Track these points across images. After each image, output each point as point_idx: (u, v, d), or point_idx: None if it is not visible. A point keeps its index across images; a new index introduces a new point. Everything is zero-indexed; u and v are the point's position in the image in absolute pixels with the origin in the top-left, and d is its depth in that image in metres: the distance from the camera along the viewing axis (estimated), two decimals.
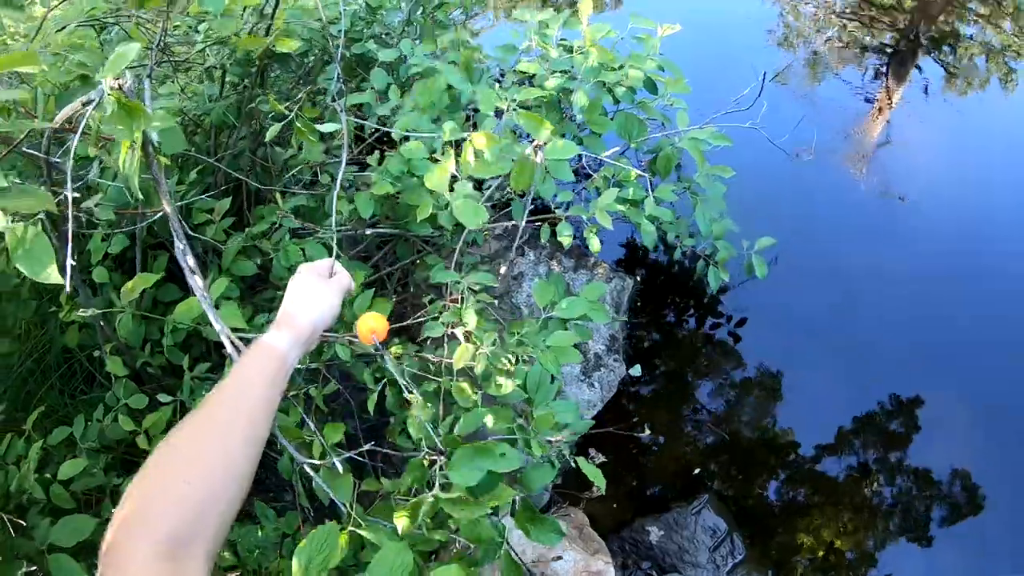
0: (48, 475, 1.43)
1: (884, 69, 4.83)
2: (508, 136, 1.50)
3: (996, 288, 2.86)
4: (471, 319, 1.38)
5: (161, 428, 1.59)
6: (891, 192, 3.50)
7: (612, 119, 1.86)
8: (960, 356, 2.65)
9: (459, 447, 1.10)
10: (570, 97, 1.75)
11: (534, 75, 1.75)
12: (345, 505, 1.11)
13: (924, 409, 2.55)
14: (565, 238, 1.76)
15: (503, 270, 2.16)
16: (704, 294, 2.81)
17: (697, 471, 2.35)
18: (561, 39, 1.83)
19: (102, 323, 1.67)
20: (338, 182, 1.24)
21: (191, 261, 1.11)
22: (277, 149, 1.94)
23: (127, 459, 1.72)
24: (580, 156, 1.58)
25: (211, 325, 1.17)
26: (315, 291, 1.01)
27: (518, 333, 1.42)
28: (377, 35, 2.16)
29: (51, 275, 0.88)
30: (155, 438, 1.55)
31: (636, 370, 2.20)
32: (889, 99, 4.55)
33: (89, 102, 0.89)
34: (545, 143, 1.28)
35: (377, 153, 1.67)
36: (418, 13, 2.19)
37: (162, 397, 1.55)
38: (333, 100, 1.64)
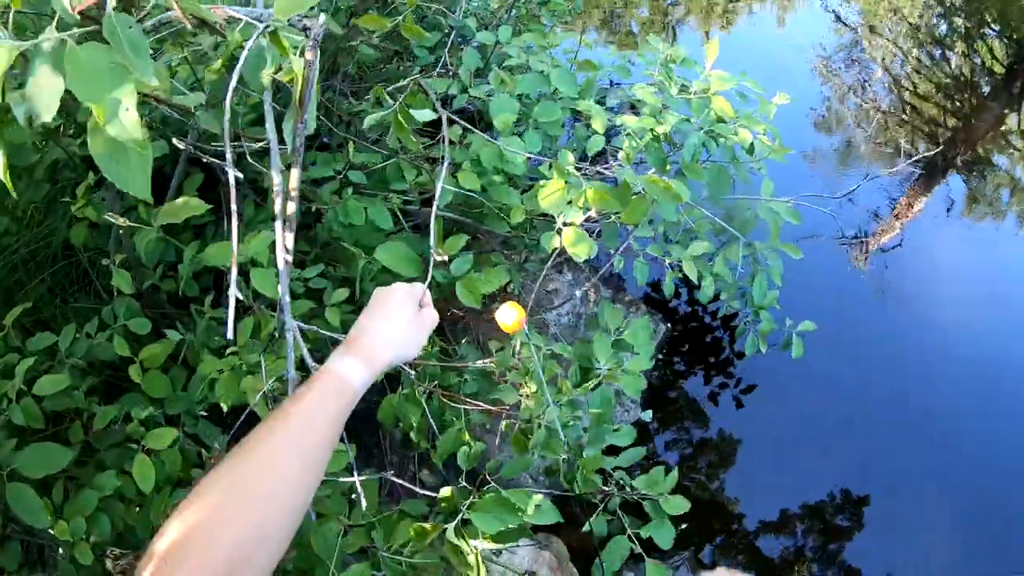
0: (23, 386, 1.25)
1: (914, 176, 4.81)
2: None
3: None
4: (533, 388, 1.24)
5: (159, 363, 1.41)
6: (892, 295, 3.45)
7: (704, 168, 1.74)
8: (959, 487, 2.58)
9: (489, 496, 0.98)
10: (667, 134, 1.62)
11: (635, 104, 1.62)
12: None
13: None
14: (640, 275, 1.63)
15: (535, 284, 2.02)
16: (720, 352, 2.72)
17: (684, 526, 2.25)
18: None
19: (121, 230, 1.49)
20: (443, 169, 1.09)
21: (288, 241, 0.94)
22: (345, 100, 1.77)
23: (111, 383, 1.53)
24: None
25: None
26: (408, 324, 0.86)
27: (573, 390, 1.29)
28: (474, 12, 2.00)
29: (143, 190, 0.71)
30: (150, 372, 1.37)
31: (647, 415, 2.10)
32: (910, 207, 4.52)
33: None
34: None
35: (457, 129, 1.51)
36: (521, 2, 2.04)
37: (171, 333, 1.37)
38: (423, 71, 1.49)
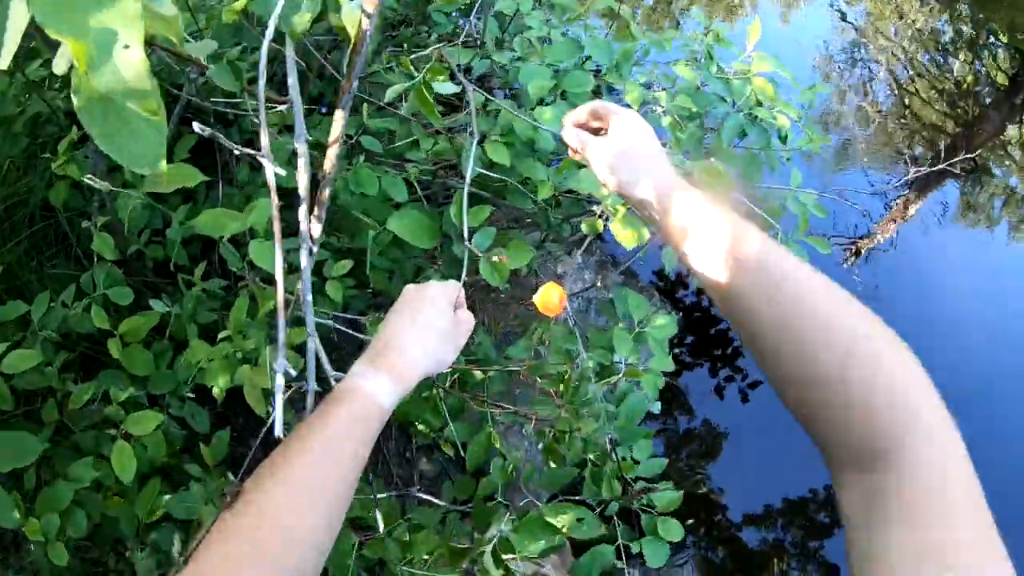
0: None
1: (909, 179, 4.74)
2: None
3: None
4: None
5: (141, 337, 1.27)
6: (882, 296, 3.37)
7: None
8: None
9: (529, 516, 0.87)
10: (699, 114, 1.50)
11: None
12: None
13: None
14: (668, 263, 1.52)
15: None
16: (728, 344, 2.63)
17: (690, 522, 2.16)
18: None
19: (105, 193, 1.35)
20: (473, 145, 0.96)
21: (315, 229, 0.80)
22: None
23: (88, 358, 1.39)
24: None
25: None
26: (444, 331, 0.74)
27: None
28: None
29: (160, 166, 0.50)
30: (132, 347, 1.23)
31: (656, 407, 1.99)
32: (905, 210, 4.46)
33: None
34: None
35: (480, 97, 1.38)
36: None
37: (156, 304, 1.23)
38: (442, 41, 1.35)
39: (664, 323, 1.47)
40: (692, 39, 1.56)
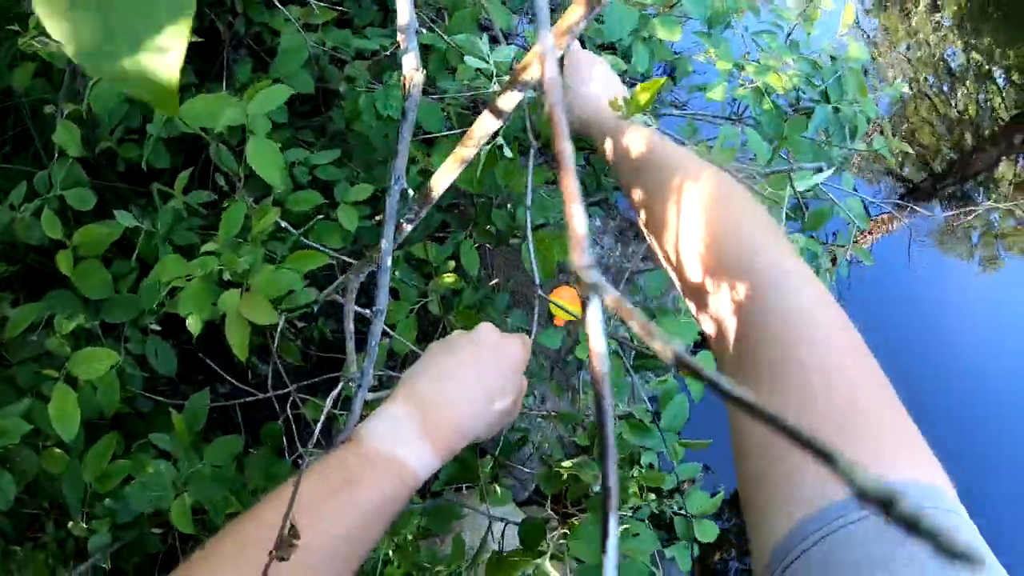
0: None
1: (896, 195, 4.65)
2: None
3: None
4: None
5: (99, 251, 1.02)
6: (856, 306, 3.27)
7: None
8: None
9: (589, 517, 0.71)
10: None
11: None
12: None
13: None
14: None
15: None
16: None
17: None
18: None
19: (78, 76, 1.09)
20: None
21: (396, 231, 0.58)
22: None
23: (35, 274, 1.14)
24: None
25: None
26: (507, 410, 0.59)
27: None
28: None
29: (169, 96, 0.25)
30: (86, 262, 0.98)
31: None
32: (889, 226, 4.38)
33: None
34: None
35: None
36: None
37: (121, 216, 0.97)
38: None
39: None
40: (781, 13, 1.35)
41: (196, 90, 1.24)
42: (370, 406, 0.60)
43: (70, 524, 0.97)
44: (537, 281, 0.74)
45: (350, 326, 0.65)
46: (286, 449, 0.96)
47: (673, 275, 0.57)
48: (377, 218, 1.12)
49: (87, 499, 0.90)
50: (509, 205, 1.02)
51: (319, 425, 0.56)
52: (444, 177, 0.50)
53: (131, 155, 1.06)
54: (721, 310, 0.49)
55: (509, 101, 0.40)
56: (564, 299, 0.78)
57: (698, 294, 0.53)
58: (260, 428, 1.02)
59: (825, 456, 0.13)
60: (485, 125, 0.43)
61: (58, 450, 0.92)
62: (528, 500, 1.70)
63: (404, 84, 0.49)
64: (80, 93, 1.16)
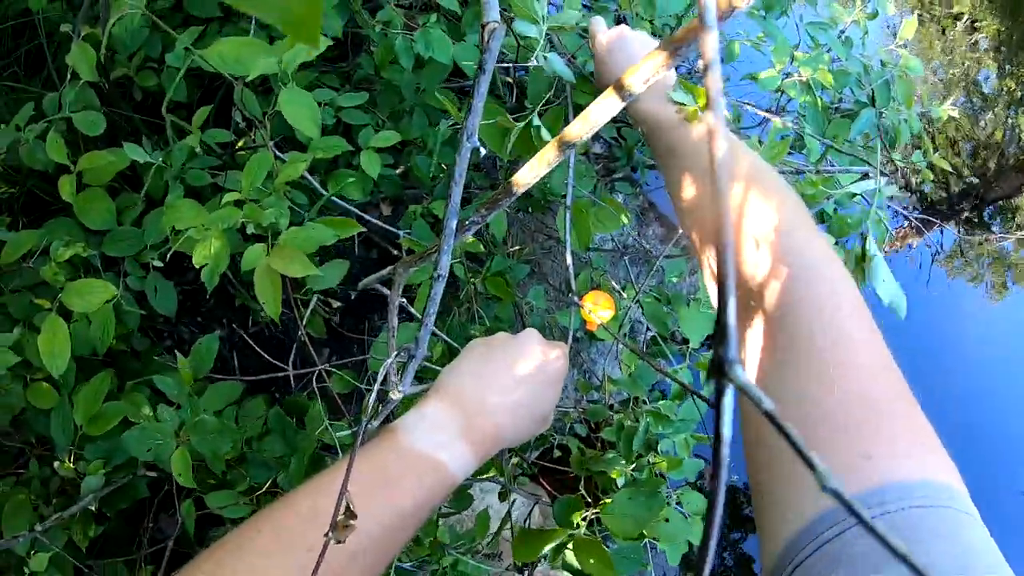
0: None
1: (911, 213, 4.58)
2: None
3: None
4: None
5: (104, 180, 0.96)
6: None
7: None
8: None
9: (622, 492, 0.70)
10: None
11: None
12: None
13: None
14: None
15: None
16: None
17: None
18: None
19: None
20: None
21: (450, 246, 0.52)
22: None
23: (37, 201, 1.09)
24: None
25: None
26: (544, 417, 0.59)
27: None
28: None
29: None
30: (90, 191, 0.92)
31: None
32: (897, 245, 4.31)
33: None
34: None
35: None
36: None
37: (130, 148, 0.91)
38: None
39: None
40: (837, 10, 1.29)
41: (221, 24, 1.18)
42: (405, 400, 0.57)
43: (56, 463, 0.93)
44: (569, 250, 0.69)
45: (394, 320, 0.61)
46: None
47: (704, 259, 0.56)
48: (399, 169, 1.07)
49: (76, 439, 0.85)
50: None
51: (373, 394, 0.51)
52: (527, 178, 0.44)
53: (149, 83, 1.00)
54: (753, 286, 0.48)
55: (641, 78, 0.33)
56: (598, 304, 0.75)
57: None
58: (258, 374, 0.98)
59: (809, 464, 0.15)
60: (605, 108, 0.36)
61: (46, 384, 0.88)
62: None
63: (483, 36, 0.44)
64: (100, 16, 1.10)
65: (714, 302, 0.56)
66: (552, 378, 0.58)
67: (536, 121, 0.75)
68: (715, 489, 0.16)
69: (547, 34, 0.75)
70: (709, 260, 0.54)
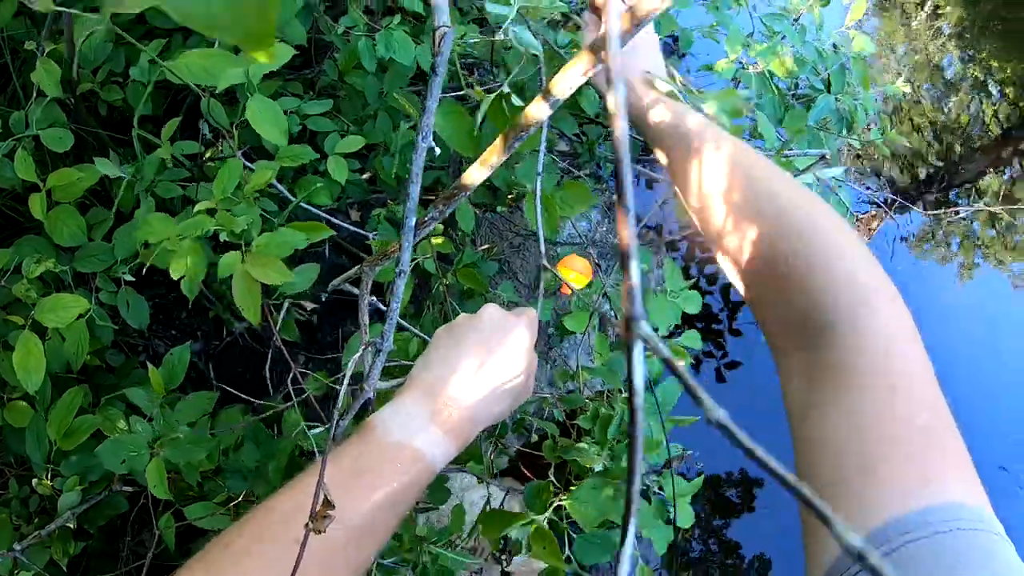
0: None
1: (880, 199, 4.65)
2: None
3: None
4: None
5: (75, 196, 0.97)
6: None
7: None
8: None
9: (587, 480, 0.71)
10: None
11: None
12: None
13: None
14: None
15: None
16: (713, 322, 2.50)
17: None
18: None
19: (62, 15, 1.02)
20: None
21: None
22: None
23: (8, 221, 1.08)
24: None
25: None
26: (517, 391, 0.58)
27: None
28: None
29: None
30: (61, 208, 0.93)
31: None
32: (868, 230, 4.39)
33: None
34: None
35: None
36: None
37: (100, 163, 0.92)
38: None
39: (691, 296, 1.26)
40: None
41: (185, 36, 1.19)
42: (380, 397, 0.58)
43: (34, 481, 0.93)
44: (542, 237, 0.71)
45: (365, 319, 0.62)
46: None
47: (722, 254, 0.58)
48: (366, 174, 1.08)
49: (52, 456, 0.85)
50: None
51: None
52: (480, 171, 0.46)
53: (114, 98, 1.00)
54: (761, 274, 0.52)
55: (566, 85, 0.35)
56: (573, 267, 0.75)
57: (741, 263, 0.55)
58: (234, 384, 0.98)
59: (823, 518, 0.15)
60: (536, 111, 0.39)
61: (23, 403, 0.88)
62: (507, 471, 1.69)
63: (435, 39, 0.46)
64: (64, 31, 1.10)
65: (738, 287, 0.57)
66: (517, 345, 0.57)
67: (507, 88, 0.76)
68: (633, 435, 0.18)
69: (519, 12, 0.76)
70: (726, 247, 0.56)
